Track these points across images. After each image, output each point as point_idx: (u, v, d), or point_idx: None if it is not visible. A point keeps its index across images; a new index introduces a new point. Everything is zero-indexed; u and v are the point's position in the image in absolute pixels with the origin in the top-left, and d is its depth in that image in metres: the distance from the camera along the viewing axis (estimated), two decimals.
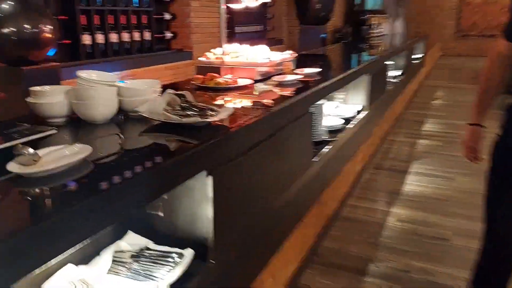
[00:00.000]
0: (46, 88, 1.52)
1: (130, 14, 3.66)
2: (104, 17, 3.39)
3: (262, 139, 1.70)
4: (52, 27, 2.31)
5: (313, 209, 2.50)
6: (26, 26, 2.17)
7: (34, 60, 2.28)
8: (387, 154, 4.37)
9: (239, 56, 2.60)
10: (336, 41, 7.88)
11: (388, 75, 4.91)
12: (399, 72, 5.78)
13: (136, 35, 3.77)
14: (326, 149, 2.67)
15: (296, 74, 2.64)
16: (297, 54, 2.88)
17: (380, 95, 4.23)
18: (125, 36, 3.63)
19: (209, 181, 1.33)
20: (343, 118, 3.27)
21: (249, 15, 6.14)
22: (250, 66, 2.48)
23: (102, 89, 1.49)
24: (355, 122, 3.36)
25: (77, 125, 1.50)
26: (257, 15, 6.37)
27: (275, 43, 6.72)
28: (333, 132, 3.00)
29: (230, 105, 2.03)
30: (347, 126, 3.21)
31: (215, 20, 4.91)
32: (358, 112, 3.59)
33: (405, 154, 4.40)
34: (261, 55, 2.58)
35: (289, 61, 2.74)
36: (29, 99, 1.47)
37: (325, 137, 2.81)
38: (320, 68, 2.80)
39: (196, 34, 4.51)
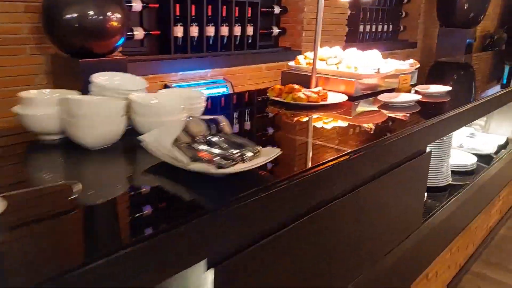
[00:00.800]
0: (37, 94, 1.14)
1: (233, 5, 3.26)
2: (202, 7, 3.04)
3: (330, 198, 1.10)
4: (121, 15, 1.99)
5: (418, 283, 1.79)
6: (90, 12, 1.88)
7: (100, 51, 1.99)
8: None
9: (339, 63, 1.98)
10: (485, 49, 6.58)
11: None
12: None
13: (237, 29, 3.36)
14: (448, 199, 1.92)
15: (415, 92, 1.93)
16: (419, 65, 2.14)
17: None
18: (224, 30, 3.24)
19: (209, 278, 0.80)
20: (479, 155, 2.42)
21: (378, 12, 5.34)
22: (347, 77, 1.85)
23: (97, 104, 1.06)
24: (496, 161, 2.48)
25: (62, 150, 1.09)
26: (389, 12, 5.52)
27: (407, 46, 5.80)
28: (463, 174, 2.21)
29: (317, 125, 1.47)
30: (485, 165, 2.36)
31: (333, 16, 4.31)
32: (502, 146, 2.67)
33: None
34: (369, 63, 1.92)
35: (408, 73, 2.03)
36: (14, 108, 1.10)
37: (449, 181, 2.04)
38: (452, 86, 2.03)
39: (308, 32, 3.94)
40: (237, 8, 3.37)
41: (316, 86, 1.93)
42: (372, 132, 1.46)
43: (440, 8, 5.73)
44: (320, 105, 1.67)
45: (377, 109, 1.73)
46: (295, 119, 1.57)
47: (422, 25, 5.97)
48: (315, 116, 1.58)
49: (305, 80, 1.97)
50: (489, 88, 2.56)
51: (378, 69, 1.84)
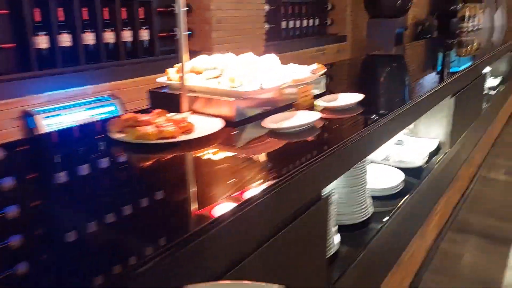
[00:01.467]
0: None
1: (117, 7, 2.70)
2: (73, 10, 2.47)
3: None
4: None
5: None
6: None
7: None
8: (478, 205, 3.02)
9: (220, 76, 1.51)
10: (417, 37, 6.41)
11: (485, 87, 3.50)
12: (497, 81, 4.29)
13: (127, 35, 2.81)
14: (370, 236, 1.52)
15: (320, 107, 1.50)
16: (325, 70, 1.72)
17: (470, 122, 2.89)
18: (108, 37, 2.69)
19: None
20: (407, 168, 2.05)
21: (301, 6, 4.96)
22: (225, 96, 1.39)
23: None
24: (429, 172, 2.13)
25: None
26: (313, 6, 5.16)
27: (336, 41, 5.48)
28: (388, 198, 1.82)
29: (156, 184, 0.99)
30: (415, 180, 2.00)
31: (247, 13, 3.85)
32: (434, 153, 2.33)
33: (507, 205, 3.01)
34: (259, 73, 1.47)
35: (309, 83, 1.59)
36: None
37: (370, 211, 1.64)
38: (364, 94, 1.62)
39: (220, 32, 3.47)
40: (123, 9, 2.82)
41: (189, 109, 1.46)
42: (237, 188, 1.00)
43: None
44: (182, 142, 1.19)
45: (261, 138, 1.28)
46: (133, 173, 1.08)
47: (350, 17, 5.67)
48: (165, 160, 1.10)
49: (177, 102, 1.50)
50: (418, 86, 2.20)
51: (262, 83, 1.39)
